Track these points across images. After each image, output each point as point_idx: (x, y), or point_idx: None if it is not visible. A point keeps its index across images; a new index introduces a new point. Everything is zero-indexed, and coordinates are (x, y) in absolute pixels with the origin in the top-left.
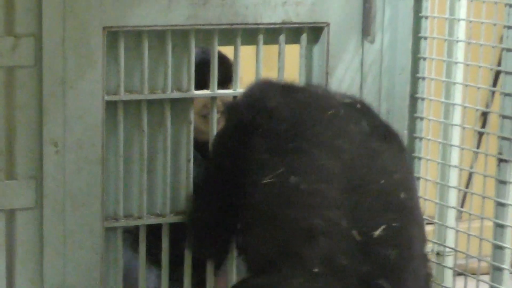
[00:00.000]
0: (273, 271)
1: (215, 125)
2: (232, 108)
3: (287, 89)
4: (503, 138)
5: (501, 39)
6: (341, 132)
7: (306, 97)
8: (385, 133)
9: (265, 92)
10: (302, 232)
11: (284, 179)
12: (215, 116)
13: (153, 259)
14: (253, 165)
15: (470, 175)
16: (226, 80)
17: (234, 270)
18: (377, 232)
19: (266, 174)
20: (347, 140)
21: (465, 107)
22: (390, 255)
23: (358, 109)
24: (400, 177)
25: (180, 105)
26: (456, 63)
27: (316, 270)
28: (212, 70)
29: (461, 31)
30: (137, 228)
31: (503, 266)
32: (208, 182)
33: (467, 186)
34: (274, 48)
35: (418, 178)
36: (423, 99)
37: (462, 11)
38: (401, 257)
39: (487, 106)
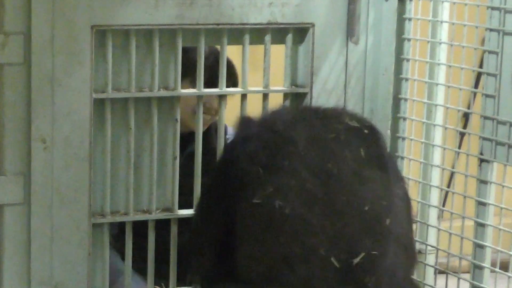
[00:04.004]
0: None
1: (201, 124)
2: (243, 121)
3: (300, 111)
4: (484, 139)
5: (482, 41)
6: (334, 157)
7: (313, 118)
8: (382, 163)
9: (277, 113)
10: (282, 259)
11: (271, 202)
12: (201, 114)
13: (138, 256)
14: (247, 178)
15: (452, 175)
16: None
17: None
18: (356, 260)
19: (257, 191)
20: (338, 165)
21: (447, 107)
22: (369, 282)
23: (361, 135)
24: (388, 203)
25: (166, 104)
26: (438, 64)
27: None
28: (198, 69)
29: (443, 33)
30: (120, 226)
31: (484, 264)
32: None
33: (448, 185)
34: (260, 48)
35: None
36: (406, 99)
37: (445, 14)
38: (380, 285)
39: (468, 107)
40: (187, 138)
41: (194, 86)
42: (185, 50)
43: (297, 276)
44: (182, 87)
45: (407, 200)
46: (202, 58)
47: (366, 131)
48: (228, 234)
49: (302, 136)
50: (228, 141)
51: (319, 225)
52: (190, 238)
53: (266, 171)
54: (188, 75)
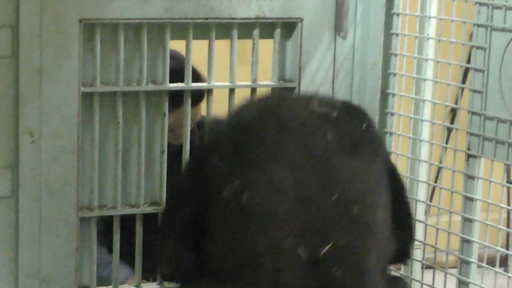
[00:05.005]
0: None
1: (189, 120)
2: (213, 124)
3: (267, 100)
4: (472, 134)
5: (470, 37)
6: (302, 146)
7: (280, 108)
8: (354, 144)
9: (243, 108)
10: (248, 254)
11: (237, 196)
12: (189, 109)
13: (124, 250)
14: (217, 176)
15: (439, 170)
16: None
17: None
18: (323, 250)
19: (224, 187)
20: (306, 154)
21: (435, 103)
22: (337, 272)
23: (330, 119)
24: (357, 192)
25: (154, 98)
26: (426, 59)
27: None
28: (187, 64)
29: (431, 28)
30: (106, 221)
31: (471, 259)
32: (182, 196)
33: (436, 180)
34: (248, 42)
35: None
36: (393, 94)
37: (432, 9)
38: (348, 275)
39: (456, 102)
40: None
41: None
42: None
43: (263, 270)
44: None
45: (393, 179)
46: (191, 53)
47: (334, 114)
48: (197, 226)
49: (269, 129)
50: (201, 144)
51: (286, 218)
52: (160, 222)
53: (234, 166)
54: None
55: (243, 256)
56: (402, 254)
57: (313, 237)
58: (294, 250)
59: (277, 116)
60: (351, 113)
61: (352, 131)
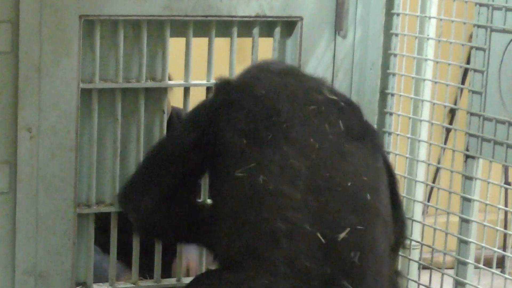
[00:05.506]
0: (239, 270)
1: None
2: (222, 85)
3: (281, 76)
4: (470, 135)
5: (470, 37)
6: (316, 131)
7: (295, 88)
8: (361, 134)
9: (257, 78)
10: (265, 234)
11: (254, 176)
12: (188, 106)
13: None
14: (230, 148)
15: (437, 170)
16: None
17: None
18: (341, 235)
19: (240, 164)
20: (320, 140)
21: (433, 103)
22: (354, 257)
23: (340, 108)
24: (368, 179)
25: (154, 95)
26: (426, 60)
27: (279, 271)
28: (186, 61)
29: (431, 28)
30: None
31: (468, 260)
32: (171, 152)
33: (434, 181)
34: (247, 40)
35: None
36: (393, 94)
37: (432, 9)
38: (364, 260)
39: (455, 103)
40: None
41: None
42: None
43: (282, 252)
44: None
45: (388, 172)
46: (190, 50)
47: (342, 104)
48: (188, 186)
49: (284, 105)
50: (205, 101)
51: (303, 200)
52: (138, 176)
53: (250, 142)
54: None
55: (258, 237)
56: (397, 244)
57: (330, 222)
58: (313, 233)
59: (292, 94)
60: (353, 105)
61: (356, 122)
